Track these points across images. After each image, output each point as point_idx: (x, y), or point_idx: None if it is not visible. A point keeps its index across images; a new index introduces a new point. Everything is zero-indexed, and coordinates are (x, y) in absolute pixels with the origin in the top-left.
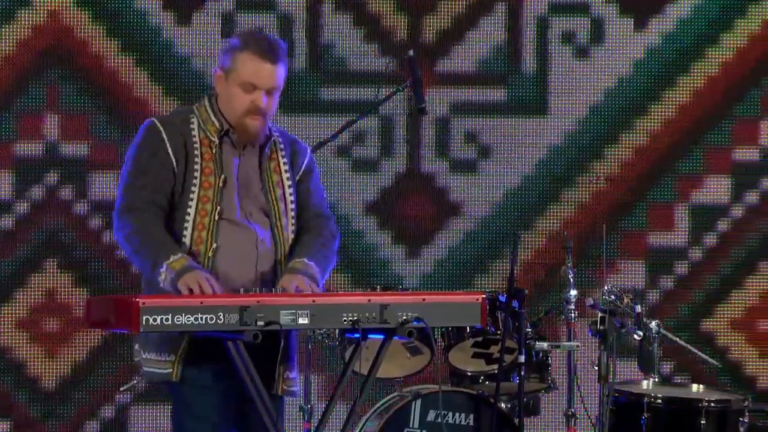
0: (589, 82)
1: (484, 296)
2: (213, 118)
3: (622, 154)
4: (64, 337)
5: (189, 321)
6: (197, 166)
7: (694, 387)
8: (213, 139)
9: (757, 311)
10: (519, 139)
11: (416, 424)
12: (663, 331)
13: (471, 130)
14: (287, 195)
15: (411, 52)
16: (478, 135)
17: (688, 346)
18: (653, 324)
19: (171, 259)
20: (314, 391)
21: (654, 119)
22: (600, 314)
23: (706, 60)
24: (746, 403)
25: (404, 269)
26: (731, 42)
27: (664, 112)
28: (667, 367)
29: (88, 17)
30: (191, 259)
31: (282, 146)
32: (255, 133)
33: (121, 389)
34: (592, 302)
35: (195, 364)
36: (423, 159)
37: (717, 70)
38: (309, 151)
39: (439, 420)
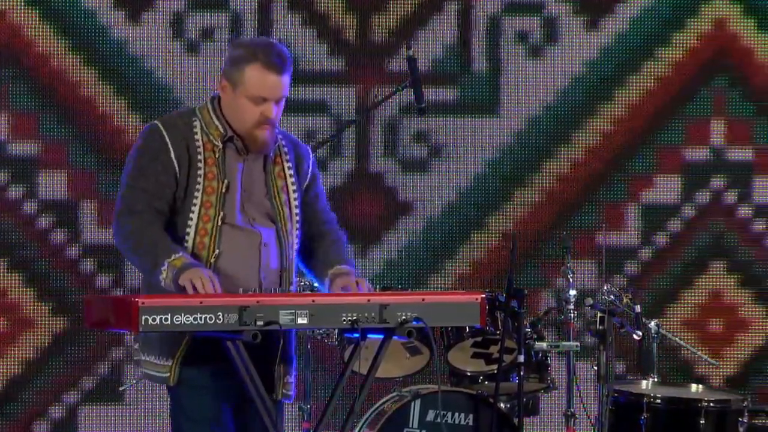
0: (542, 82)
1: (484, 296)
2: (216, 123)
3: (574, 154)
4: (13, 337)
5: (188, 321)
6: (200, 171)
7: (694, 387)
8: (216, 143)
9: (708, 311)
10: (470, 139)
11: (415, 424)
12: (662, 331)
13: (421, 130)
14: (292, 200)
15: (411, 52)
16: (429, 134)
17: (688, 347)
18: (652, 324)
19: (172, 257)
20: (313, 391)
21: (606, 119)
22: (599, 314)
23: (658, 60)
24: (745, 403)
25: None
26: (682, 42)
27: (616, 111)
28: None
29: (37, 16)
30: (190, 257)
31: (286, 150)
32: (266, 144)
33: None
34: (591, 302)
35: (194, 365)
36: (372, 158)
37: (668, 70)
38: (311, 153)
39: (439, 420)
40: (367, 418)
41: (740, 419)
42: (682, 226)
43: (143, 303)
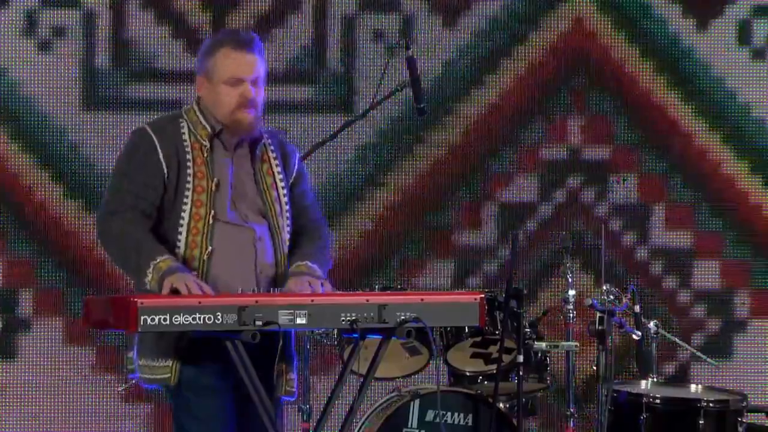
0: (399, 81)
1: (483, 296)
2: (203, 122)
3: (432, 152)
4: None
5: (187, 321)
6: (189, 171)
7: (693, 387)
8: (204, 142)
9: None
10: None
11: (415, 424)
12: (662, 331)
13: (279, 128)
14: (281, 196)
15: (410, 52)
16: (286, 133)
17: (686, 345)
18: (651, 324)
19: (157, 260)
20: (313, 391)
21: (464, 118)
22: (598, 314)
23: (516, 59)
24: (745, 403)
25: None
26: (541, 40)
27: (475, 110)
28: None
29: None
30: (177, 261)
31: (272, 147)
32: (250, 126)
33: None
34: (591, 302)
35: (195, 365)
36: None
37: (526, 69)
38: (297, 153)
39: (438, 420)
40: (366, 418)
41: (739, 419)
42: (538, 225)
43: (142, 303)
